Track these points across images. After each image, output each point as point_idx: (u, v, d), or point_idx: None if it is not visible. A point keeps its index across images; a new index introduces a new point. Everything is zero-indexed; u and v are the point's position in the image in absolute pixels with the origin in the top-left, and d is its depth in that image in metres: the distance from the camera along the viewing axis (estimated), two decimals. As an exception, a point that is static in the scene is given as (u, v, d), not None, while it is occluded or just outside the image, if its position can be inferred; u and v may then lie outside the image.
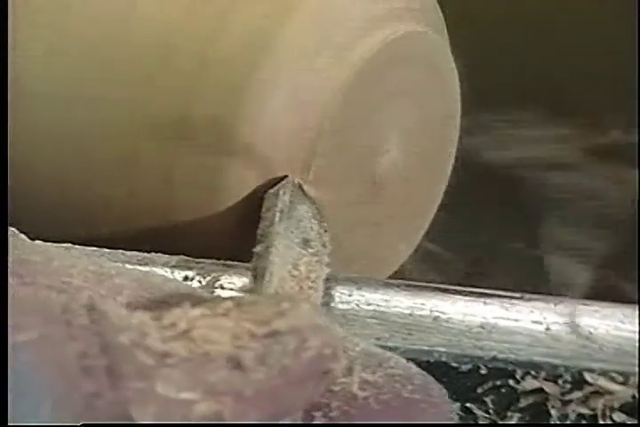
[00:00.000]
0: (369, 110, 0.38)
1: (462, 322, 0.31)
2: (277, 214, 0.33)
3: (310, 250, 0.33)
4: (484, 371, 0.31)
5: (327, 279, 0.32)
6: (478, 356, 0.31)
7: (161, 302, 0.23)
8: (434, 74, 0.41)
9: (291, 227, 0.33)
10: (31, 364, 0.19)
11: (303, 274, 0.31)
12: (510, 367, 0.31)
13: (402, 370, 0.24)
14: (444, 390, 0.24)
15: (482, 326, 0.31)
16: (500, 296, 0.32)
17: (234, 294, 0.31)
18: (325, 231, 0.35)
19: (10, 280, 0.22)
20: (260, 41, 0.35)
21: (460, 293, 0.32)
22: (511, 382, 0.31)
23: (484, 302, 0.32)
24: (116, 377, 0.20)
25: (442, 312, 0.31)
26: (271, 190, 0.35)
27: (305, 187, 0.36)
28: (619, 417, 0.31)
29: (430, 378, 0.24)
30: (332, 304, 0.31)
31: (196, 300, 0.22)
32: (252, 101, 0.35)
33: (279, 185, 0.35)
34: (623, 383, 0.30)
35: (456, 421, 0.25)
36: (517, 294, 0.32)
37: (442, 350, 0.31)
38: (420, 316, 0.31)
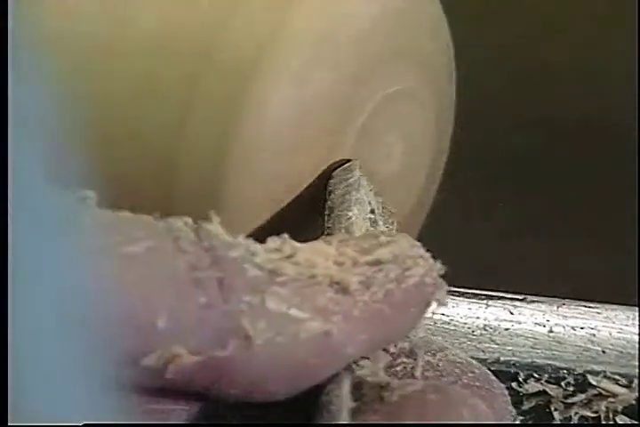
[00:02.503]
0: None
1: (465, 324, 0.31)
2: (349, 189, 0.33)
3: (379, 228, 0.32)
4: (486, 373, 0.30)
5: None
6: (481, 358, 0.31)
7: None
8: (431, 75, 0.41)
9: (361, 203, 0.33)
10: (142, 275, 0.19)
11: None
12: (513, 370, 0.30)
13: (463, 359, 0.24)
14: (503, 384, 0.24)
15: (484, 329, 0.31)
16: (502, 298, 0.32)
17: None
18: (389, 212, 0.35)
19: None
20: (265, 34, 0.35)
21: (462, 295, 0.32)
22: (514, 384, 0.30)
23: (487, 305, 0.31)
24: (227, 290, 0.19)
25: (444, 314, 0.31)
26: (337, 171, 0.36)
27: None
28: (621, 420, 0.30)
29: (489, 371, 0.24)
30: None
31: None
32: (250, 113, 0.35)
33: (344, 166, 0.36)
34: (626, 386, 0.30)
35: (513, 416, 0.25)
36: (520, 296, 0.32)
37: (444, 352, 0.31)
38: (423, 318, 0.31)
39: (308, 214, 0.37)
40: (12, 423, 0.19)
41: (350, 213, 0.31)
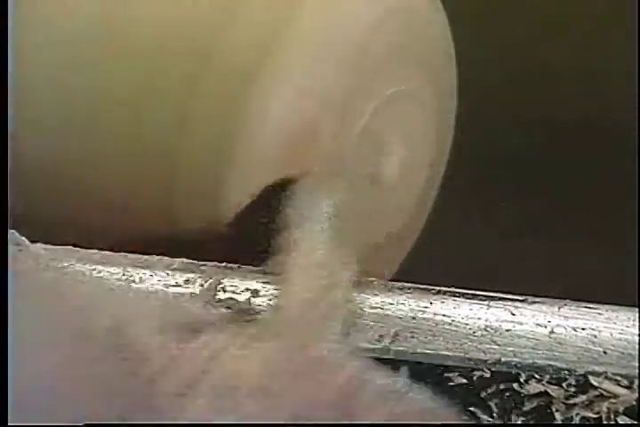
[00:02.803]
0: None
1: (466, 325, 0.31)
2: (301, 207, 0.33)
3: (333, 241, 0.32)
4: (487, 375, 0.30)
5: None
6: (482, 359, 0.30)
7: (188, 326, 0.24)
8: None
9: (315, 220, 0.33)
10: (62, 382, 0.19)
11: (328, 269, 0.31)
12: (514, 371, 0.30)
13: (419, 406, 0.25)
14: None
15: (485, 330, 0.31)
16: (503, 299, 0.32)
17: (234, 296, 0.31)
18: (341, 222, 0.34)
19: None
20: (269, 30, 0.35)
21: (463, 296, 0.32)
22: (515, 385, 0.30)
23: (488, 306, 0.31)
24: (146, 401, 0.20)
25: (445, 315, 0.31)
26: (296, 185, 0.35)
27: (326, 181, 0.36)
28: (623, 420, 0.30)
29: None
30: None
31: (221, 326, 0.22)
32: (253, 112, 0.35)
33: (302, 180, 0.35)
34: (627, 387, 0.30)
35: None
36: (521, 297, 0.32)
37: (445, 353, 0.31)
38: (424, 319, 0.31)
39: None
40: (12, 423, 0.19)
41: (298, 245, 0.31)
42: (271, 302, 0.30)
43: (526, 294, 0.32)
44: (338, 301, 0.29)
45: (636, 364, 0.30)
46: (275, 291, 0.30)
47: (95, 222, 0.36)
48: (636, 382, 0.30)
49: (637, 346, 0.31)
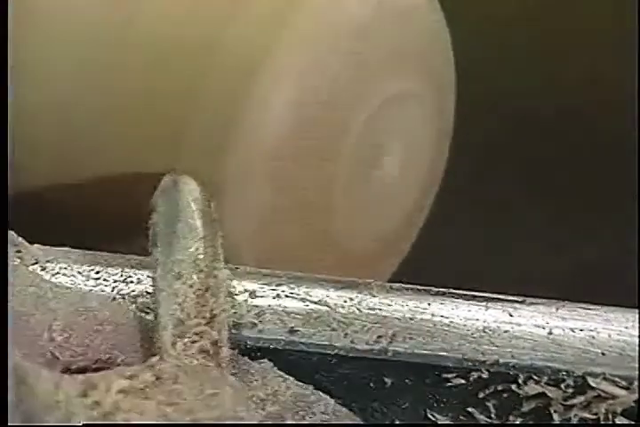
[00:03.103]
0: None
1: (464, 326, 0.31)
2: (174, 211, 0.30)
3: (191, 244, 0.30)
4: (485, 376, 0.30)
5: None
6: (480, 360, 0.30)
7: (92, 362, 0.24)
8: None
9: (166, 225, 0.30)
10: None
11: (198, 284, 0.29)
12: (512, 372, 0.30)
13: (332, 415, 0.25)
14: None
15: (483, 331, 0.31)
16: (501, 300, 0.32)
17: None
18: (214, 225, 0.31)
19: None
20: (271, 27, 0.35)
21: (461, 297, 0.32)
22: (513, 386, 0.30)
23: (486, 307, 0.31)
24: None
25: (443, 316, 0.31)
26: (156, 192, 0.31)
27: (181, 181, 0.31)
28: (621, 422, 0.30)
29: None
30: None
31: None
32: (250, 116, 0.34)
33: (159, 187, 0.31)
34: (626, 388, 0.30)
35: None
36: (519, 299, 0.32)
37: (443, 354, 0.31)
38: (422, 320, 0.31)
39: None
40: (12, 423, 0.19)
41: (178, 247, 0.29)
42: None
43: (524, 296, 0.32)
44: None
45: (635, 365, 0.30)
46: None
47: (90, 222, 0.37)
48: (635, 383, 0.30)
49: (637, 347, 0.31)
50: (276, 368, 0.29)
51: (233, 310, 0.30)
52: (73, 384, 0.22)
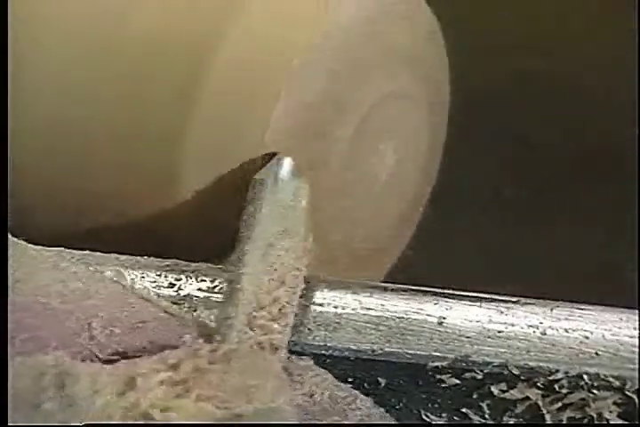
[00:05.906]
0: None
1: (458, 326, 0.31)
2: (260, 203, 0.32)
3: (289, 241, 0.31)
4: (479, 376, 0.30)
5: (308, 282, 0.31)
6: (474, 360, 0.30)
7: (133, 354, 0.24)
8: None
9: (272, 216, 0.31)
10: None
11: (278, 278, 0.30)
12: (506, 372, 0.30)
13: (367, 416, 0.25)
14: None
15: (478, 331, 0.31)
16: (495, 300, 0.32)
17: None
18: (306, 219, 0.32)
19: None
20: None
21: (456, 297, 0.32)
22: (507, 387, 0.30)
23: (480, 307, 0.31)
24: None
25: (437, 317, 0.31)
26: (256, 175, 0.33)
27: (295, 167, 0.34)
28: (614, 422, 0.30)
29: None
30: (312, 306, 0.31)
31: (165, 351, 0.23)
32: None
33: (263, 170, 0.33)
34: (620, 388, 0.30)
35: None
36: (513, 299, 0.32)
37: (438, 354, 0.31)
38: (417, 320, 0.31)
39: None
40: (12, 423, 0.19)
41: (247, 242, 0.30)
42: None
43: (518, 296, 0.32)
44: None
45: (630, 365, 0.30)
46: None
47: (86, 221, 0.37)
48: (629, 383, 0.30)
49: (637, 348, 0.30)
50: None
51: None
52: (113, 378, 0.22)
